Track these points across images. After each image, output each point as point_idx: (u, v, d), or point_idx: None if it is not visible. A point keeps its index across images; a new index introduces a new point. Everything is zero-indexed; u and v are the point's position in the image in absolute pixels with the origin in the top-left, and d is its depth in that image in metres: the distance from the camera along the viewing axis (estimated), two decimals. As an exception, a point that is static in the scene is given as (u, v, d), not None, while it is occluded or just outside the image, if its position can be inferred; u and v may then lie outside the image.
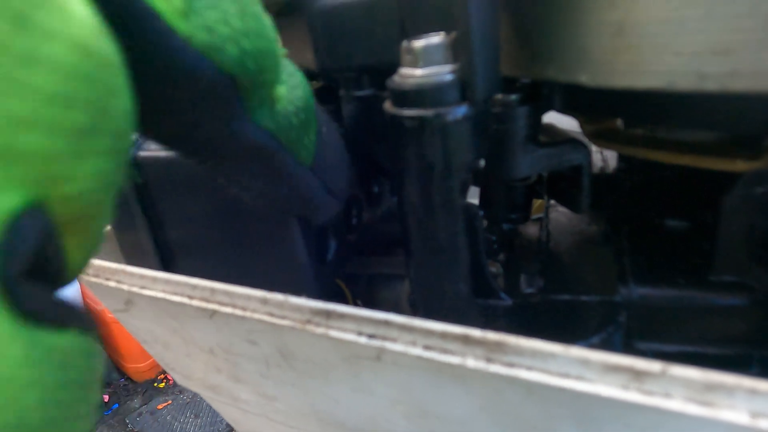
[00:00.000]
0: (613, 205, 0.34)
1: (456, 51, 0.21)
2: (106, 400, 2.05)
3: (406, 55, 0.21)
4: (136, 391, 2.13)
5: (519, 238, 0.37)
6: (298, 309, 0.22)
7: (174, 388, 2.13)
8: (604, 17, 0.18)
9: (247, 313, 0.24)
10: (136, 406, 2.06)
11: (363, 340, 0.21)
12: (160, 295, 0.27)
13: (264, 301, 0.23)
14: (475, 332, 0.19)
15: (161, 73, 0.14)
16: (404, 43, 0.21)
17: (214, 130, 0.17)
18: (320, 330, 0.22)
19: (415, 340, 0.20)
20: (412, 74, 0.21)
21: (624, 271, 0.29)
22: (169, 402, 2.06)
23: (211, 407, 2.07)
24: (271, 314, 0.23)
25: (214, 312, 0.25)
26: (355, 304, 0.40)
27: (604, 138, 0.27)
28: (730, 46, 0.16)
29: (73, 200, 0.11)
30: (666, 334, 0.28)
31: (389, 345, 0.20)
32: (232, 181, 0.20)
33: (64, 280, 0.12)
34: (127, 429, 1.94)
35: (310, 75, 0.25)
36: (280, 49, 0.18)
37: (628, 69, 0.18)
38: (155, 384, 2.16)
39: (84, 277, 0.31)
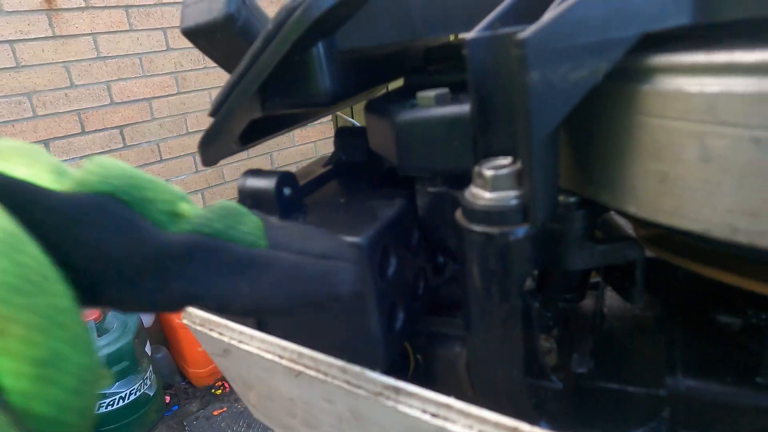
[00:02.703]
0: (668, 293, 0.36)
1: (521, 178, 0.24)
2: (167, 401, 2.16)
3: (477, 179, 0.25)
4: (195, 396, 2.23)
5: (574, 313, 0.39)
6: (372, 381, 0.26)
7: (230, 396, 2.22)
8: (650, 166, 0.21)
9: (328, 378, 0.28)
10: (194, 410, 2.15)
11: (426, 417, 0.24)
12: (255, 351, 0.32)
13: (343, 371, 0.27)
14: (525, 426, 0.22)
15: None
16: (476, 168, 0.25)
17: (143, 259, 0.18)
18: (390, 403, 0.25)
19: (472, 425, 0.23)
20: (482, 196, 0.24)
21: (674, 361, 0.31)
22: (224, 409, 2.15)
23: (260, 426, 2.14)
24: (349, 382, 0.27)
25: (299, 372, 0.29)
26: (416, 360, 0.44)
27: (655, 245, 0.29)
28: (758, 210, 0.18)
29: None
30: (711, 429, 0.29)
31: (449, 426, 0.24)
32: (219, 301, 0.21)
33: None
34: (184, 431, 2.04)
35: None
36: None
37: (671, 211, 0.21)
38: (213, 390, 2.25)
39: (191, 324, 0.37)
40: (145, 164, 2.24)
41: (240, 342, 0.32)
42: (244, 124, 0.33)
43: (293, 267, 0.22)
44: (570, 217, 0.28)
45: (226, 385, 2.26)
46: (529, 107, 0.21)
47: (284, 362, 0.30)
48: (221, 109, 0.31)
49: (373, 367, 0.30)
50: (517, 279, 0.25)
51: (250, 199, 0.33)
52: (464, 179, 0.32)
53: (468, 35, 0.25)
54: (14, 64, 1.90)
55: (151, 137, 2.25)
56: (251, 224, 0.22)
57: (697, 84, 0.19)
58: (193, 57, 2.30)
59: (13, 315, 0.13)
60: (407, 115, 0.30)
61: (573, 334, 0.36)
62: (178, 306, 0.21)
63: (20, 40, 1.90)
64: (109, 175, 0.19)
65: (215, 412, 2.13)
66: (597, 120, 0.23)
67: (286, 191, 0.33)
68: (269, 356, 0.31)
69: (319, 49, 0.30)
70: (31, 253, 0.15)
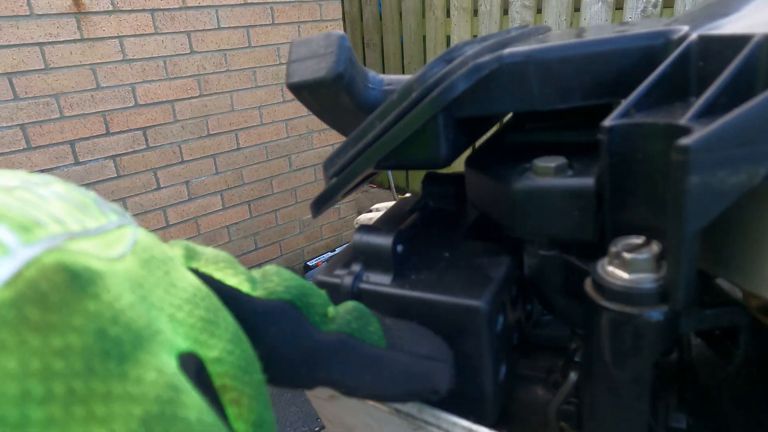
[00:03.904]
0: (758, 351, 0.37)
1: (659, 261, 0.25)
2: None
3: (614, 259, 0.26)
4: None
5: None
6: (501, 444, 0.28)
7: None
8: (799, 263, 0.23)
9: (452, 437, 0.29)
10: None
11: (562, 484, 0.26)
12: (371, 401, 0.33)
13: (469, 431, 0.29)
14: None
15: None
16: (612, 249, 0.26)
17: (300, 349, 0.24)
18: (521, 467, 0.27)
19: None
20: (619, 276, 0.26)
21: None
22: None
23: (277, 423, 2.16)
24: (475, 443, 0.29)
25: (418, 427, 0.31)
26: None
27: (765, 314, 0.30)
28: None
29: (217, 364, 0.17)
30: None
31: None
32: (349, 387, 0.27)
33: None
34: None
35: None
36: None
37: (818, 306, 0.22)
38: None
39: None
40: (167, 165, 2.26)
41: (353, 392, 0.34)
42: (356, 182, 0.35)
43: (406, 366, 0.28)
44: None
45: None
46: (685, 208, 0.22)
47: (401, 416, 0.31)
48: (342, 172, 0.33)
49: (481, 420, 0.32)
50: (650, 356, 0.26)
51: (364, 254, 0.34)
52: (574, 243, 0.33)
53: (605, 122, 0.26)
54: (43, 66, 1.93)
55: (174, 139, 2.27)
56: (375, 325, 0.28)
57: None
58: (216, 60, 2.32)
59: (244, 389, 0.18)
60: (526, 183, 0.31)
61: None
62: (315, 386, 0.26)
63: (49, 43, 1.93)
64: (290, 286, 0.24)
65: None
66: (740, 212, 0.24)
67: (399, 248, 0.34)
68: (385, 408, 0.32)
69: (439, 119, 0.32)
70: (245, 340, 0.19)
